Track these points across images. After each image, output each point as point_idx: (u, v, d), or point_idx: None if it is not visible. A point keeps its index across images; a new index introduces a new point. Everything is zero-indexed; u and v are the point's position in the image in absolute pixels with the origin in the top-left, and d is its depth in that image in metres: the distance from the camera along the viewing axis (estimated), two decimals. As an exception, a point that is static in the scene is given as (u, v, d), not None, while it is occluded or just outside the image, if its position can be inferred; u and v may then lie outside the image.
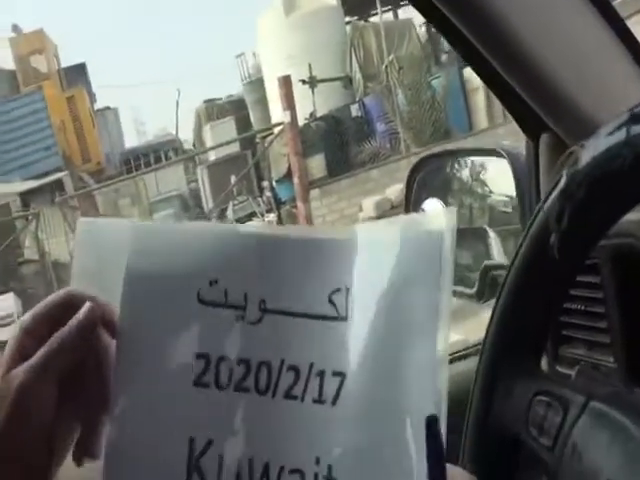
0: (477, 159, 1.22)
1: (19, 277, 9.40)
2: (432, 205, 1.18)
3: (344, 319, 0.53)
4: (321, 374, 0.53)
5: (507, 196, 1.12)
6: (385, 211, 9.10)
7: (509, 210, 1.11)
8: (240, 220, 10.65)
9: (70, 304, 0.55)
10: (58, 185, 11.81)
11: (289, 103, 9.38)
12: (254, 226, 0.66)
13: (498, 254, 1.13)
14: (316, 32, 12.06)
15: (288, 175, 9.96)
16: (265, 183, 11.79)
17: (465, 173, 1.26)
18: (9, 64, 18.89)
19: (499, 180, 1.11)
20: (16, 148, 16.18)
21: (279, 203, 10.78)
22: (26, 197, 10.98)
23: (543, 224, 0.55)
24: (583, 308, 0.76)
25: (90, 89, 20.47)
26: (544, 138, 0.84)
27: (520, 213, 0.95)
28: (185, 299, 0.53)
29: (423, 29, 12.55)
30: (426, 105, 10.62)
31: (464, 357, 1.12)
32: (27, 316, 0.55)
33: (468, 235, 1.19)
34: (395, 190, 9.09)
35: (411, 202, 1.22)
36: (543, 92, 0.75)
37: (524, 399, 0.58)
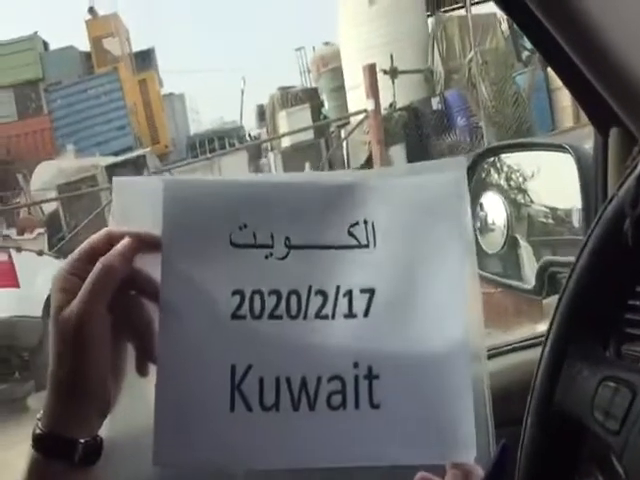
0: (531, 164, 1.13)
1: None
2: (491, 199, 1.11)
3: (366, 246, 0.59)
4: (349, 293, 0.59)
5: (548, 207, 1.09)
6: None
7: (549, 221, 1.09)
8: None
9: (110, 241, 0.58)
10: (140, 161, 12.04)
11: (373, 91, 9.33)
12: (275, 175, 0.69)
13: (529, 265, 1.09)
14: (398, 23, 12.01)
15: (367, 164, 9.93)
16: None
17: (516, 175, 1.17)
18: (84, 45, 19.38)
19: (541, 190, 1.09)
20: (92, 126, 16.59)
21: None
22: (111, 170, 11.24)
23: (617, 209, 0.54)
24: None
25: (158, 74, 20.84)
26: (614, 133, 0.81)
27: (584, 212, 0.91)
28: (218, 243, 0.59)
29: (505, 25, 12.36)
30: (510, 101, 10.47)
31: (530, 347, 1.09)
32: (68, 259, 0.58)
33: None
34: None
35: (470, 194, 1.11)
36: (617, 83, 0.70)
37: (590, 384, 0.57)
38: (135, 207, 0.61)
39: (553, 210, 1.07)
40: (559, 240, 1.07)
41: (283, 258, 0.59)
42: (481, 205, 1.12)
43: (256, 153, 15.70)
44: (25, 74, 18.42)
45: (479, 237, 1.10)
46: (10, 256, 6.14)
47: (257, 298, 0.59)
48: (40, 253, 6.69)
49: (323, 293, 0.59)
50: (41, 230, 9.25)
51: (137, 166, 11.59)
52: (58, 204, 10.74)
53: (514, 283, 1.09)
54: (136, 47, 20.71)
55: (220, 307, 0.59)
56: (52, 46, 19.99)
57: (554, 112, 10.80)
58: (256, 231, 0.59)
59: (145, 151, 13.07)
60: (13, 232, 8.95)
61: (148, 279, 0.59)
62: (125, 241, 0.58)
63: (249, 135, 18.79)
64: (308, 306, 0.59)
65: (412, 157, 10.44)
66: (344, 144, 11.24)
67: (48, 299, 5.79)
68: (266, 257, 0.59)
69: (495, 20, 12.25)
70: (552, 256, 1.03)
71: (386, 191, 0.60)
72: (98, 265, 0.56)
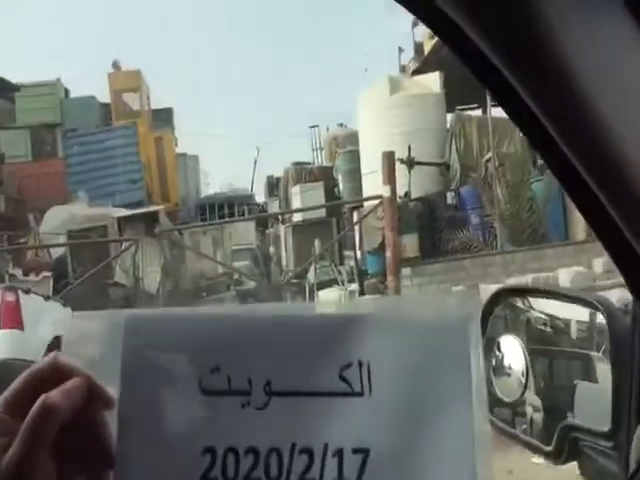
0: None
1: (107, 299, 9.47)
2: (509, 342, 1.07)
3: (359, 394, 0.51)
4: (339, 453, 0.51)
5: (547, 315, 1.07)
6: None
7: (547, 329, 1.07)
8: (321, 284, 10.64)
9: (56, 374, 0.51)
10: (152, 217, 12.08)
11: (390, 179, 9.44)
12: (252, 307, 0.61)
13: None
14: (417, 115, 12.28)
15: (380, 249, 9.96)
16: (348, 252, 11.80)
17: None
18: (103, 97, 19.76)
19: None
20: (106, 176, 16.72)
21: (363, 275, 10.73)
22: (123, 223, 11.25)
23: None
24: None
25: (174, 134, 21.18)
26: None
27: (615, 376, 0.87)
28: (186, 390, 0.52)
29: (522, 132, 12.68)
30: (525, 205, 10.60)
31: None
32: (4, 394, 0.51)
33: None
34: (486, 289, 8.92)
35: (486, 336, 1.06)
36: None
37: None
38: (92, 346, 0.53)
39: (552, 318, 1.05)
40: (557, 351, 1.05)
41: (262, 408, 0.51)
42: (498, 345, 1.06)
43: (263, 222, 15.90)
44: (44, 117, 18.72)
45: (493, 379, 1.05)
46: (18, 297, 6.03)
47: (231, 457, 0.51)
48: (47, 298, 6.57)
49: (309, 452, 0.51)
50: (47, 273, 9.15)
51: (149, 221, 11.63)
52: (66, 249, 10.69)
53: (532, 441, 1.04)
54: (155, 105, 21.12)
55: (188, 469, 0.51)
56: (72, 94, 20.39)
57: (568, 222, 10.90)
58: (231, 375, 0.52)
59: (159, 208, 13.13)
60: (19, 272, 8.85)
61: (98, 413, 0.52)
62: (74, 381, 0.50)
63: (257, 205, 19.01)
64: (291, 468, 0.51)
65: (424, 248, 10.49)
66: (356, 227, 11.31)
67: (50, 345, 5.59)
68: (242, 406, 0.52)
69: (514, 125, 12.57)
70: (573, 421, 0.97)
71: (385, 328, 0.52)
72: (39, 404, 0.49)
